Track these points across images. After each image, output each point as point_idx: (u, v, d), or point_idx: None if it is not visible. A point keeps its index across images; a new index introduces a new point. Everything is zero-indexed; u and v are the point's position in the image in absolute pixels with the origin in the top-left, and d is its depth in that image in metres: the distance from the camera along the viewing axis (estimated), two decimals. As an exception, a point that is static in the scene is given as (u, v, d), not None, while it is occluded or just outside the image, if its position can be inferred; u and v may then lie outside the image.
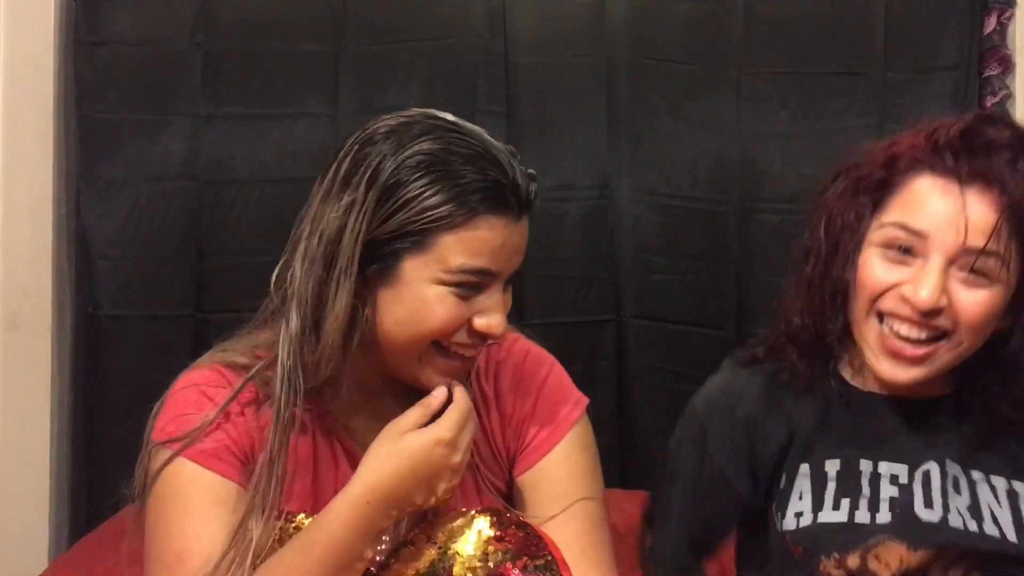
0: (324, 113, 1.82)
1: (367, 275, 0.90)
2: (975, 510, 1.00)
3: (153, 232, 1.84)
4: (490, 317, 0.91)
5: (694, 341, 1.83)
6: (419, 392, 0.96)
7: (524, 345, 1.07)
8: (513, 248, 0.92)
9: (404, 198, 0.87)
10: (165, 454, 0.94)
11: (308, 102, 1.84)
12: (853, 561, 1.00)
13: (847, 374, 1.08)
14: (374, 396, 0.99)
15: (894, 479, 1.02)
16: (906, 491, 1.01)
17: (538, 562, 0.90)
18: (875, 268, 0.99)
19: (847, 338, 1.06)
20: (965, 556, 0.98)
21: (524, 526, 0.93)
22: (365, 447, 0.94)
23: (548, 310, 1.83)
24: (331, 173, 0.92)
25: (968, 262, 0.95)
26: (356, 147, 0.91)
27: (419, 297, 0.89)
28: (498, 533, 0.91)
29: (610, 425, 1.82)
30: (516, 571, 0.89)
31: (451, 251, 0.88)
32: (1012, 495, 1.01)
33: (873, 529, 1.00)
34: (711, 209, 1.84)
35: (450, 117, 0.94)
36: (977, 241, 0.94)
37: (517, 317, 1.86)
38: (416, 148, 0.88)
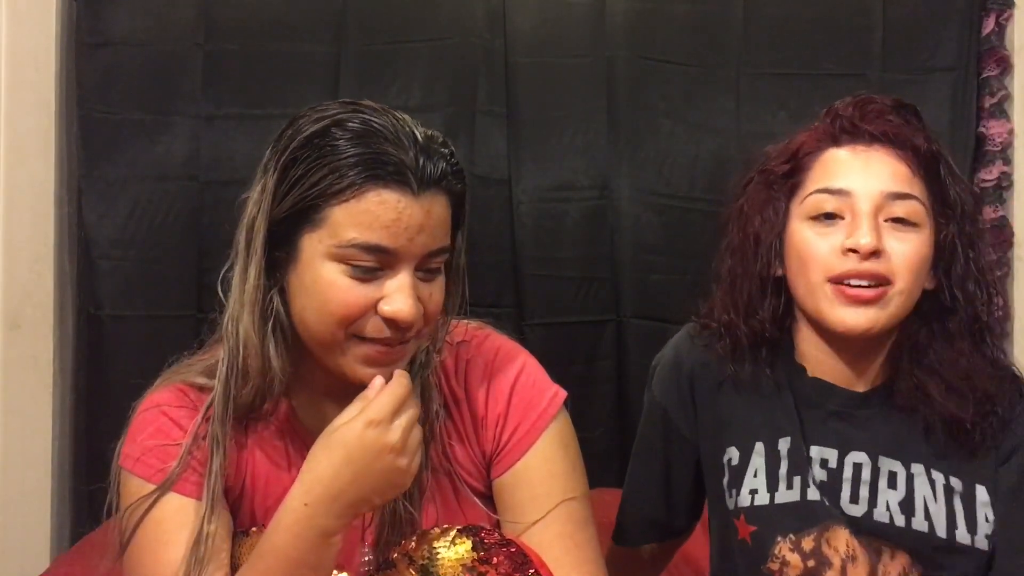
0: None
1: (276, 260, 0.90)
2: (907, 504, 1.02)
3: (154, 232, 1.84)
4: (394, 301, 0.87)
5: (694, 341, 1.83)
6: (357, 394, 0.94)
7: (494, 342, 1.03)
8: (413, 226, 0.86)
9: (297, 175, 0.87)
10: (132, 480, 0.94)
11: (309, 102, 1.77)
12: (807, 543, 1.02)
13: (797, 357, 1.10)
14: (333, 397, 0.95)
15: (824, 463, 1.05)
16: (835, 478, 1.04)
17: None
18: (812, 240, 1.02)
19: (787, 325, 1.09)
20: (895, 555, 1.00)
21: (507, 543, 0.89)
22: None
23: (548, 310, 1.84)
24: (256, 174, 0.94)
25: (890, 211, 1.00)
26: (272, 140, 0.93)
27: (316, 276, 0.87)
28: (482, 555, 0.88)
29: (610, 425, 1.83)
30: None
31: (342, 224, 0.86)
32: (948, 490, 1.02)
33: (823, 509, 1.03)
34: (711, 209, 1.84)
35: (367, 103, 0.92)
36: (896, 186, 1.00)
37: (517, 317, 1.88)
38: (312, 129, 0.89)
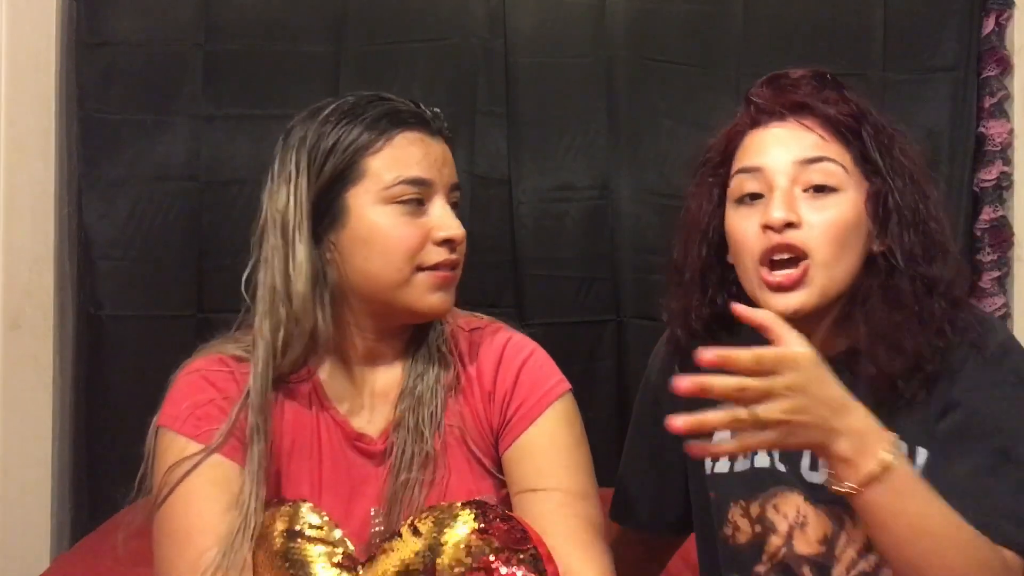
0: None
1: (323, 229, 0.99)
2: None
3: (154, 232, 1.84)
4: (447, 225, 0.99)
5: (694, 341, 1.83)
6: (387, 359, 1.04)
7: (507, 332, 1.10)
8: (439, 159, 1.00)
9: (329, 146, 0.98)
10: (176, 439, 0.97)
11: (309, 102, 1.80)
12: (755, 509, 1.03)
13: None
14: (359, 363, 1.04)
15: None
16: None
17: (521, 555, 0.89)
18: (737, 223, 1.02)
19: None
20: (857, 523, 0.97)
21: (508, 519, 0.92)
22: (348, 414, 1.02)
23: (548, 310, 1.84)
24: (268, 176, 1.03)
25: (807, 179, 0.98)
26: (280, 144, 1.03)
27: (371, 225, 0.98)
28: (482, 526, 0.90)
29: (610, 425, 1.83)
30: (499, 564, 0.88)
31: (382, 170, 0.98)
32: (910, 460, 0.98)
33: (772, 477, 1.03)
34: (711, 209, 1.84)
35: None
36: (806, 152, 0.99)
37: (517, 317, 1.87)
38: (326, 112, 1.01)
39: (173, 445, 0.98)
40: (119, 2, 1.86)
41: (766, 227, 0.98)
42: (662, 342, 1.19)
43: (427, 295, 1.00)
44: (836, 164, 0.99)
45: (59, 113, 1.85)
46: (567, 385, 1.07)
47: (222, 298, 1.80)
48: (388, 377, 1.05)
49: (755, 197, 1.01)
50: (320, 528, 0.97)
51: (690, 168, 1.13)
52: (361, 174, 0.98)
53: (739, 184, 1.02)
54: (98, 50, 1.85)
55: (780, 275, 0.97)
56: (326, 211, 0.99)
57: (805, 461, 1.02)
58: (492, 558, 0.89)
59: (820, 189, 0.98)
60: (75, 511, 1.86)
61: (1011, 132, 1.83)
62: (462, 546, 0.90)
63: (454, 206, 1.02)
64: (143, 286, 1.84)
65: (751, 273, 1.00)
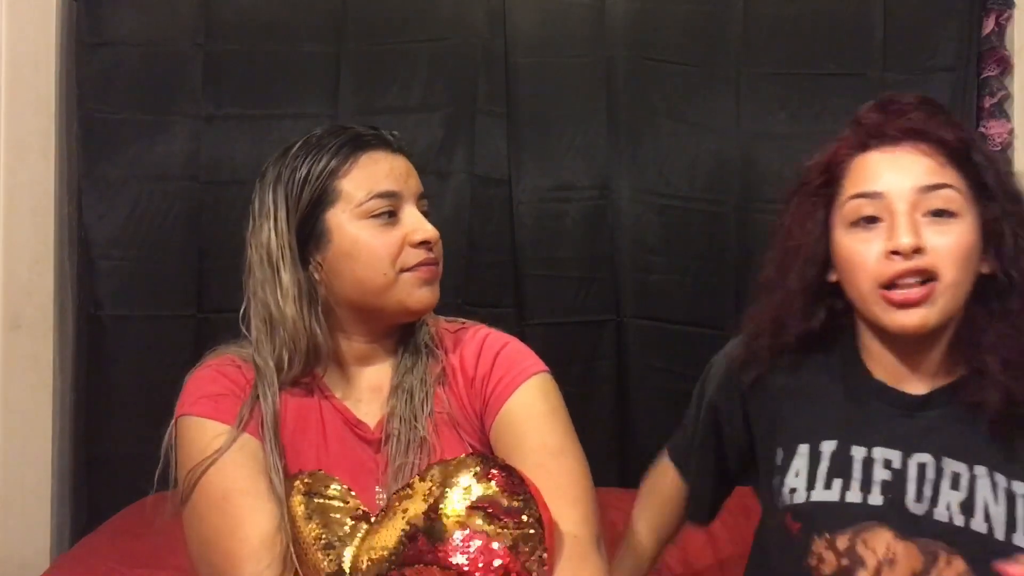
0: (324, 114, 1.83)
1: (309, 252, 1.08)
2: (968, 506, 1.02)
3: (154, 232, 1.85)
4: (420, 229, 1.08)
5: (693, 341, 1.83)
6: (379, 358, 1.12)
7: (487, 330, 1.17)
8: (404, 172, 1.10)
9: (303, 176, 1.07)
10: (192, 421, 1.05)
11: (309, 103, 1.85)
12: (842, 542, 1.03)
13: (865, 361, 1.11)
14: (357, 363, 1.13)
15: (887, 463, 1.05)
16: (899, 478, 1.04)
17: (519, 497, 0.95)
18: (856, 247, 1.04)
19: (846, 325, 1.11)
20: (951, 560, 1.00)
21: (507, 468, 0.98)
22: (344, 400, 1.10)
23: (548, 310, 1.84)
24: (249, 218, 1.10)
25: (928, 204, 1.01)
26: (256, 186, 1.10)
27: (354, 239, 1.06)
28: (483, 469, 0.96)
29: (610, 425, 1.83)
30: (497, 504, 0.94)
31: (354, 189, 1.07)
32: (1010, 495, 1.02)
33: (864, 511, 1.04)
34: (710, 209, 1.84)
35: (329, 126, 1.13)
36: (928, 179, 1.02)
37: (517, 317, 1.88)
38: (294, 150, 1.09)
39: (196, 427, 1.04)
40: (119, 2, 1.86)
41: (893, 253, 1.00)
42: (723, 357, 1.22)
43: (414, 292, 1.08)
44: (954, 190, 1.02)
45: (59, 113, 1.85)
46: (543, 367, 1.12)
47: (222, 298, 1.80)
48: (381, 374, 1.13)
49: (870, 220, 1.03)
50: (337, 491, 1.06)
51: (786, 190, 1.15)
52: (336, 196, 1.07)
53: (856, 208, 1.04)
54: (98, 50, 1.85)
55: (905, 292, 1.00)
56: (310, 235, 1.07)
57: (910, 493, 1.04)
58: (491, 499, 0.95)
59: (939, 213, 1.01)
60: (75, 511, 1.86)
61: (1011, 132, 1.83)
62: (464, 488, 0.96)
63: (425, 214, 1.11)
64: (143, 286, 1.85)
65: (869, 295, 1.03)
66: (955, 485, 1.03)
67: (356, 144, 1.09)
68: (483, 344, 1.14)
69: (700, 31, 1.86)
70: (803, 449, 1.09)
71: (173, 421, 1.07)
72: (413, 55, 1.86)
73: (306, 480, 1.05)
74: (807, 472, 1.07)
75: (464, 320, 1.19)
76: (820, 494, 1.06)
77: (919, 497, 1.03)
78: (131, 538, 1.53)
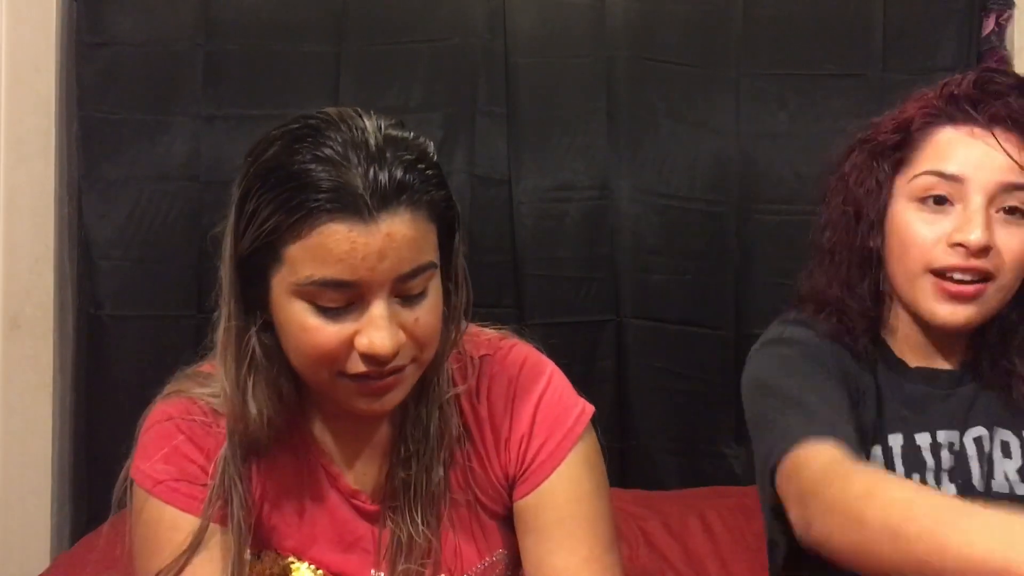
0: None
1: (252, 298, 0.84)
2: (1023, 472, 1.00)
3: (154, 232, 1.85)
4: (369, 335, 0.80)
5: (693, 341, 1.83)
6: (385, 414, 0.91)
7: (519, 354, 0.97)
8: (371, 254, 0.78)
9: (250, 211, 0.82)
10: (151, 503, 0.90)
11: (309, 103, 1.84)
12: None
13: (891, 344, 1.07)
14: (337, 418, 0.93)
15: (951, 447, 1.01)
16: (961, 459, 1.01)
17: None
18: (917, 225, 0.98)
19: (881, 307, 1.05)
20: None
21: None
22: (340, 465, 0.93)
23: (548, 310, 1.84)
24: None
25: (1004, 201, 0.96)
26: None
27: (288, 316, 0.81)
28: None
29: (610, 425, 1.83)
30: None
31: (299, 261, 0.79)
32: None
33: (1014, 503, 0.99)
34: (710, 210, 1.84)
35: (327, 112, 0.85)
36: (1013, 177, 0.95)
37: (517, 317, 1.88)
38: (264, 158, 0.84)
39: (154, 510, 0.89)
40: (119, 2, 1.86)
41: (959, 245, 0.95)
42: (790, 321, 1.07)
43: (356, 400, 0.84)
44: None
45: (59, 113, 1.85)
46: (588, 414, 0.95)
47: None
48: (379, 429, 0.94)
49: (939, 201, 0.98)
50: None
51: (849, 135, 1.07)
52: (280, 259, 0.80)
53: (927, 185, 0.98)
54: (98, 50, 1.85)
55: (960, 286, 0.96)
56: (252, 283, 0.84)
57: (975, 470, 1.00)
58: None
59: (1012, 211, 0.96)
60: (75, 511, 1.86)
61: (1011, 132, 1.83)
62: None
63: (416, 297, 0.82)
64: (143, 286, 1.85)
65: (916, 278, 0.98)
66: (1007, 453, 1.00)
67: (318, 202, 0.77)
68: (516, 387, 0.94)
69: (700, 31, 1.86)
70: (879, 450, 1.01)
71: (126, 475, 0.92)
72: (413, 55, 1.86)
73: (278, 567, 0.91)
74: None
75: (488, 330, 1.01)
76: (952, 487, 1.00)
77: (980, 473, 1.00)
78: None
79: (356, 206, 0.77)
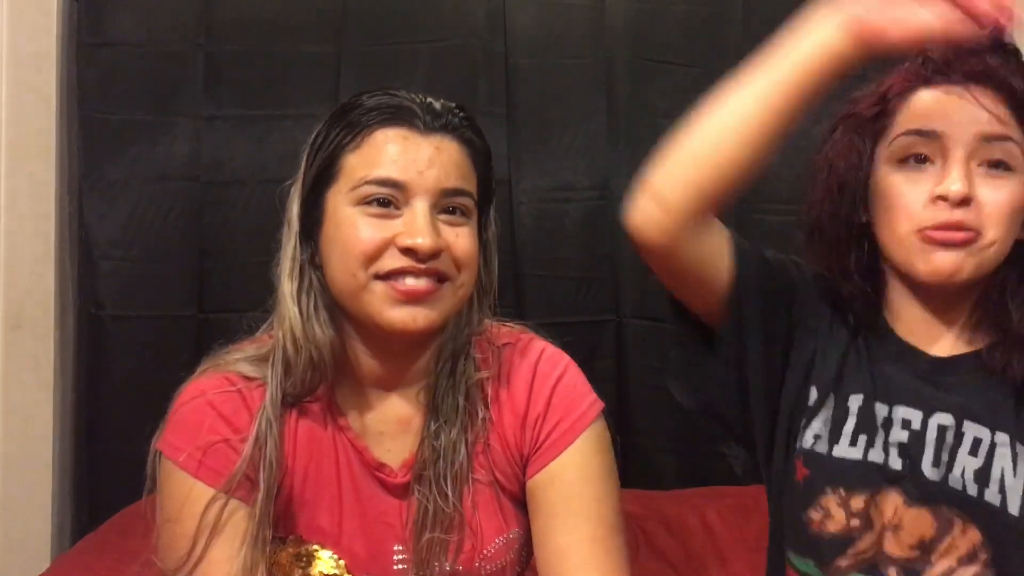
0: (325, 114, 1.81)
1: (309, 229, 0.94)
2: (983, 475, 0.97)
3: (155, 232, 1.85)
4: (413, 232, 0.89)
5: (693, 341, 1.83)
6: (403, 385, 0.97)
7: (539, 345, 1.04)
8: (421, 159, 0.90)
9: (318, 143, 0.94)
10: (177, 474, 0.91)
11: (309, 103, 1.84)
12: (857, 503, 0.99)
13: (892, 324, 1.06)
14: (375, 384, 0.98)
15: (906, 423, 1.00)
16: (917, 440, 0.99)
17: None
18: (900, 187, 0.98)
19: (882, 287, 1.05)
20: (967, 529, 0.96)
21: None
22: (366, 439, 0.96)
23: (548, 310, 1.84)
24: None
25: (986, 154, 0.95)
26: None
27: (339, 224, 0.91)
28: None
29: (610, 425, 1.83)
30: None
31: (355, 168, 0.91)
32: None
33: (883, 473, 0.99)
34: (710, 209, 1.84)
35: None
36: (992, 128, 0.95)
37: (517, 317, 1.87)
38: (335, 110, 0.97)
39: (181, 483, 0.91)
40: (119, 2, 1.86)
41: (940, 198, 0.94)
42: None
43: (385, 308, 0.89)
44: (1015, 144, 0.95)
45: (60, 113, 1.85)
46: (600, 406, 1.02)
47: (222, 298, 1.80)
48: (406, 405, 0.98)
49: (920, 160, 0.97)
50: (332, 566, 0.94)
51: (832, 115, 1.07)
52: (338, 172, 0.92)
53: (907, 145, 0.97)
54: (98, 50, 1.85)
55: (946, 233, 0.94)
56: (311, 211, 0.94)
57: (928, 456, 0.99)
58: None
59: (995, 165, 0.95)
60: (75, 511, 1.86)
61: (1011, 132, 1.83)
62: None
63: (456, 211, 0.92)
64: (144, 286, 1.85)
65: (905, 238, 0.97)
66: (973, 451, 0.98)
67: (376, 115, 0.91)
68: (535, 372, 1.00)
69: (700, 31, 1.86)
70: (832, 400, 1.02)
71: (155, 449, 0.94)
72: (413, 55, 1.86)
73: (302, 551, 0.94)
74: (831, 424, 1.01)
75: (510, 325, 1.06)
76: (844, 450, 1.00)
77: (936, 462, 0.98)
78: (131, 538, 1.52)
79: (411, 119, 0.91)
